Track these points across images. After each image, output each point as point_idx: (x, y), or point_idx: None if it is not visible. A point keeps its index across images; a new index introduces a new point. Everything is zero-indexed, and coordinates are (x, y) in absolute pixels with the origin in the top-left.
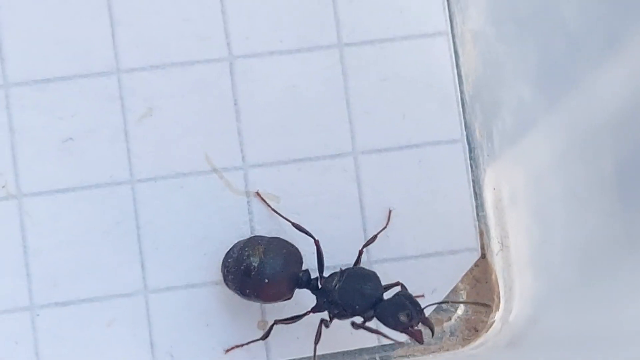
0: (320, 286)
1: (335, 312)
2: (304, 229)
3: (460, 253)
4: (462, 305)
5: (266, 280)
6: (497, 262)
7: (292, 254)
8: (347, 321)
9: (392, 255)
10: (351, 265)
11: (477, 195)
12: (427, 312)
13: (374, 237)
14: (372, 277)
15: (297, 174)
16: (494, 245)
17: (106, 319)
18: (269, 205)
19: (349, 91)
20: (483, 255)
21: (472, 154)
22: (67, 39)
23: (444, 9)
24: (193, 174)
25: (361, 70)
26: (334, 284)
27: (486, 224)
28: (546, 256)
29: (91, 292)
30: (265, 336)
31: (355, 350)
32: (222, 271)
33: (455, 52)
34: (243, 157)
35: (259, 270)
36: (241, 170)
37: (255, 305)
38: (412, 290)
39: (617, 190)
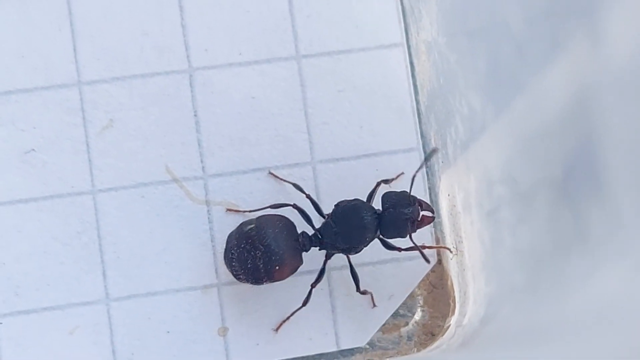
0: (321, 239)
1: (350, 252)
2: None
3: (416, 259)
4: (419, 310)
5: (276, 267)
6: (452, 267)
7: (286, 224)
8: (304, 327)
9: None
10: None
11: (433, 202)
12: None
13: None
14: (359, 204)
15: (256, 183)
16: (449, 253)
17: (69, 327)
18: (284, 180)
19: (307, 102)
20: (439, 261)
21: (428, 163)
22: (29, 51)
23: (400, 20)
24: (154, 183)
25: (319, 82)
26: (331, 231)
27: (442, 230)
28: (497, 259)
29: (53, 301)
30: (306, 302)
31: (314, 355)
32: (231, 271)
33: (411, 63)
34: (203, 167)
35: (266, 256)
36: (201, 180)
37: (215, 312)
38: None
39: (561, 190)
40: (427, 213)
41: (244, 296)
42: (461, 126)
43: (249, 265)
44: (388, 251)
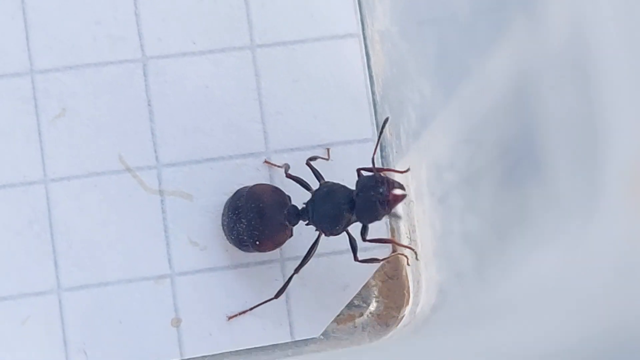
0: (308, 214)
1: (327, 233)
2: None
3: (372, 250)
4: (374, 301)
5: (257, 242)
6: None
7: (276, 197)
8: (258, 317)
9: (304, 253)
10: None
11: None
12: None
13: None
14: (337, 187)
15: (210, 173)
16: (404, 241)
17: (20, 317)
18: (278, 165)
19: (261, 92)
20: (394, 251)
21: (383, 153)
22: None
23: (355, 11)
24: (107, 173)
25: (273, 71)
26: (312, 209)
27: (396, 221)
28: (447, 246)
29: (5, 291)
30: (280, 293)
31: (268, 346)
32: (225, 234)
33: (367, 53)
34: (156, 157)
35: (249, 230)
36: (154, 169)
37: (168, 303)
38: (325, 287)
39: (505, 174)
40: (398, 191)
41: (198, 286)
42: (413, 114)
43: (234, 234)
44: (343, 241)
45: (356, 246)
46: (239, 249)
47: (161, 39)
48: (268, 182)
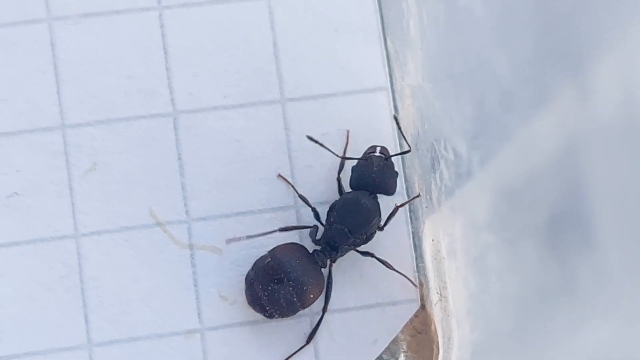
0: (332, 245)
1: (361, 241)
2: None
3: (400, 304)
4: (402, 356)
5: (311, 295)
6: (436, 312)
7: (300, 249)
8: None
9: (334, 307)
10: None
11: (417, 246)
12: None
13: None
14: (354, 194)
15: (240, 227)
16: (433, 296)
17: None
18: (291, 185)
19: (291, 145)
20: (422, 306)
21: (411, 207)
22: (13, 95)
23: (384, 64)
24: (137, 227)
25: (303, 125)
26: (338, 230)
27: (425, 275)
28: (483, 306)
29: (36, 346)
30: (311, 338)
31: None
32: (262, 312)
33: (395, 107)
34: (187, 211)
35: (298, 288)
36: (185, 223)
37: (198, 358)
38: (354, 341)
39: (549, 239)
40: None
41: (228, 341)
42: (446, 172)
43: (282, 302)
44: (372, 296)
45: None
46: (285, 316)
47: (192, 93)
48: (297, 236)
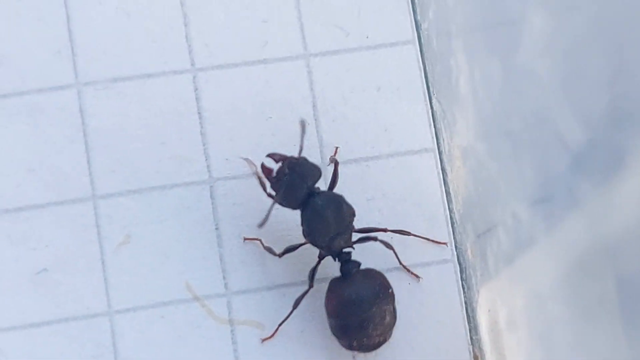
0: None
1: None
2: None
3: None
4: None
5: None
6: None
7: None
8: None
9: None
10: None
11: (470, 317)
12: None
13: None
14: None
15: (281, 300)
16: None
17: None
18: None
19: None
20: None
21: (463, 275)
22: (40, 165)
23: (430, 125)
24: (174, 302)
25: (347, 190)
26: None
27: (481, 348)
28: None
29: None
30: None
31: None
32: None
33: (443, 169)
34: (225, 284)
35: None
36: (224, 297)
37: None
38: None
39: (623, 312)
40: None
41: None
42: (504, 238)
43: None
44: None
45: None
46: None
47: (228, 159)
48: None
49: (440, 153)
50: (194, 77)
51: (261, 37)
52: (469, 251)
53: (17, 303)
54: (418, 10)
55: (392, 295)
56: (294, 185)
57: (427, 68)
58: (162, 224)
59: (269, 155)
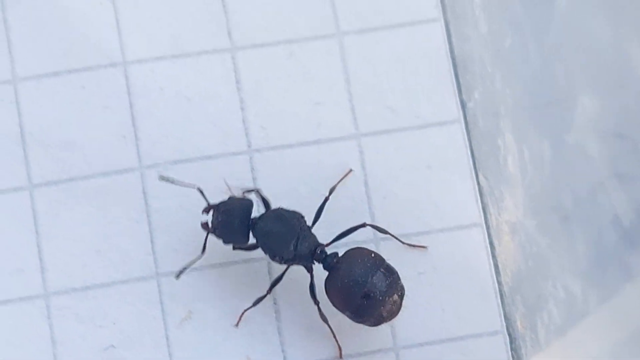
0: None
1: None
2: None
3: None
4: None
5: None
6: None
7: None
8: None
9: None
10: None
11: None
12: None
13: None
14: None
15: None
16: None
17: None
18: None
19: None
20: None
21: (513, 345)
22: (105, 245)
23: (477, 200)
24: None
25: (398, 265)
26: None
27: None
28: None
29: None
30: None
31: None
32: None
33: (491, 243)
34: (284, 357)
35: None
36: None
37: None
38: None
39: None
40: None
41: None
42: (555, 310)
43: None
44: None
45: None
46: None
47: None
48: None
49: (488, 227)
50: (251, 158)
51: (314, 119)
52: (518, 322)
53: None
54: (463, 90)
55: (379, 256)
56: (229, 223)
57: (473, 146)
58: (222, 300)
59: (203, 212)
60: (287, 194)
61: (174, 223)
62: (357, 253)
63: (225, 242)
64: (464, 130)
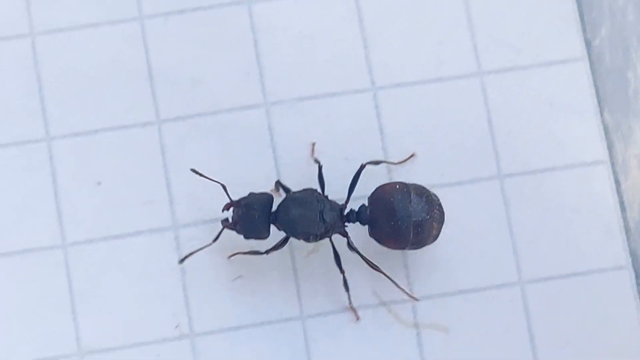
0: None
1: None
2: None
3: None
4: None
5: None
6: None
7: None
8: None
9: None
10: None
11: None
12: None
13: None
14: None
15: (464, 305)
16: None
17: None
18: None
19: (511, 221)
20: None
21: (638, 280)
22: (232, 180)
23: (601, 137)
24: (361, 307)
25: (522, 201)
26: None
27: None
28: None
29: None
30: None
31: None
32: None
33: (616, 179)
34: (410, 290)
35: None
36: (409, 302)
37: None
38: None
39: None
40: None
41: None
42: None
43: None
44: None
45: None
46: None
47: None
48: (523, 313)
49: (613, 164)
50: (374, 95)
51: (437, 57)
52: None
53: (215, 309)
54: (588, 29)
55: (400, 183)
56: (251, 218)
57: (597, 83)
58: None
59: (223, 210)
60: (411, 130)
61: (297, 158)
62: (382, 192)
63: (246, 237)
64: (588, 68)
